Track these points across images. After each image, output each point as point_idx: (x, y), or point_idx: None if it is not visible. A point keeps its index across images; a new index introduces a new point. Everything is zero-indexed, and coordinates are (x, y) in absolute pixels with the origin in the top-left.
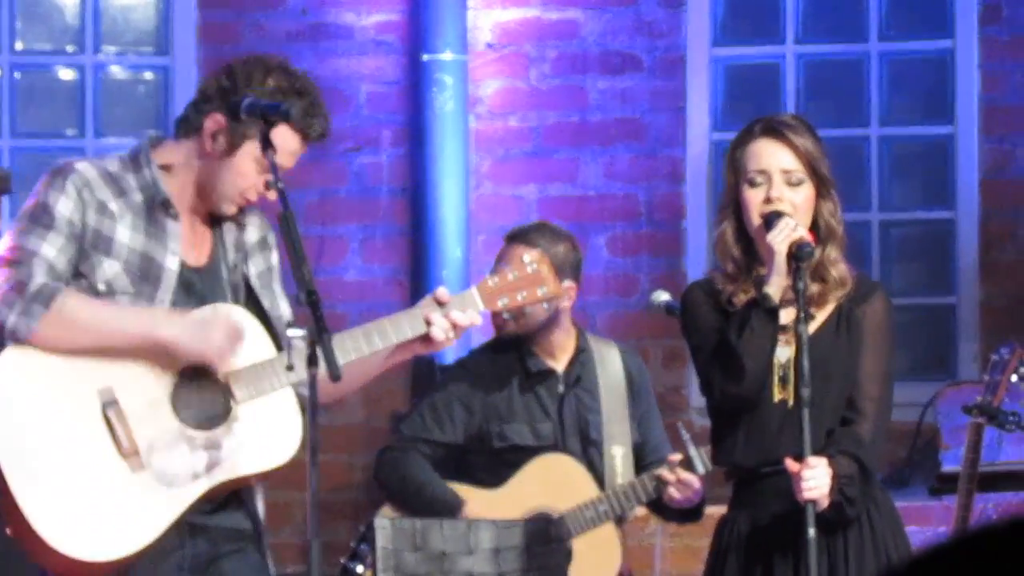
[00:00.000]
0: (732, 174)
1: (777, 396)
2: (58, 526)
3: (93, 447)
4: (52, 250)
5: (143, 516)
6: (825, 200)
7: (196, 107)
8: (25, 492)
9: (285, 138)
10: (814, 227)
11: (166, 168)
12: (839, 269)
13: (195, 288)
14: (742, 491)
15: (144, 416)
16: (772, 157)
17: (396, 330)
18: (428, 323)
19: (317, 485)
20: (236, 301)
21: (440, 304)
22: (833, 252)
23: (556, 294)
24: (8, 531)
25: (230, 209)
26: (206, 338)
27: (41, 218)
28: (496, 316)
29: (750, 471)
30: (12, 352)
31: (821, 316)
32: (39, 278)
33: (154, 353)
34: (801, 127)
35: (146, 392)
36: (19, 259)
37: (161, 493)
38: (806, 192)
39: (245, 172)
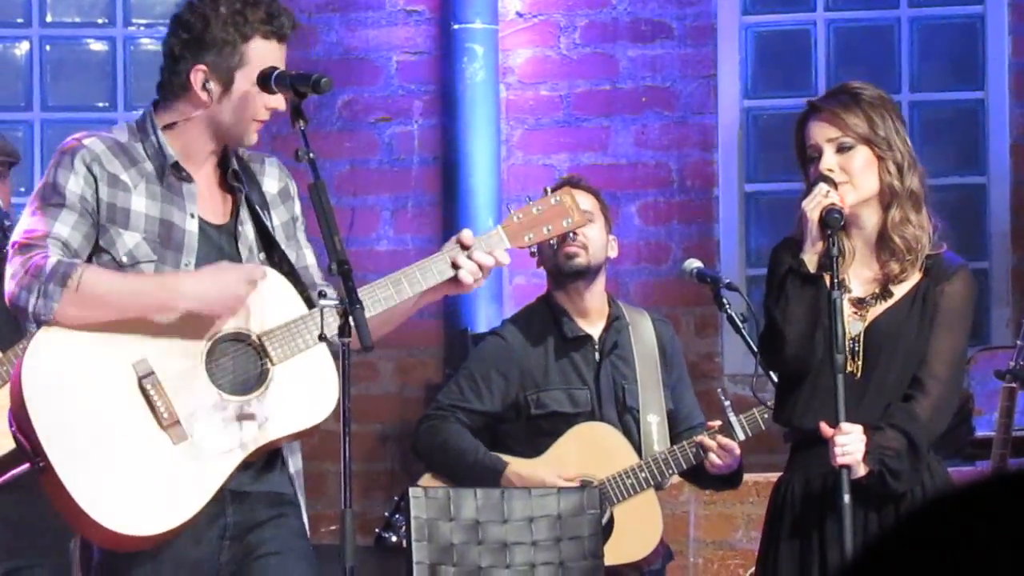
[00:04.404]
0: (800, 154)
1: (846, 368)
2: (104, 502)
3: (133, 420)
4: (65, 228)
5: (189, 487)
6: (885, 161)
7: (171, 71)
8: (68, 470)
9: (266, 50)
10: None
11: (170, 127)
12: (909, 231)
13: (221, 247)
14: (798, 454)
15: (181, 385)
16: (819, 131)
17: (425, 276)
18: (455, 266)
19: (350, 455)
20: (258, 256)
21: (465, 247)
22: (898, 214)
23: (580, 224)
24: (56, 508)
25: (252, 137)
26: (223, 286)
27: (51, 198)
28: (566, 246)
29: (806, 434)
30: (44, 334)
31: (899, 292)
32: (52, 257)
33: (184, 320)
34: (846, 96)
35: (180, 361)
36: (33, 242)
37: (205, 462)
38: (862, 156)
39: (248, 97)
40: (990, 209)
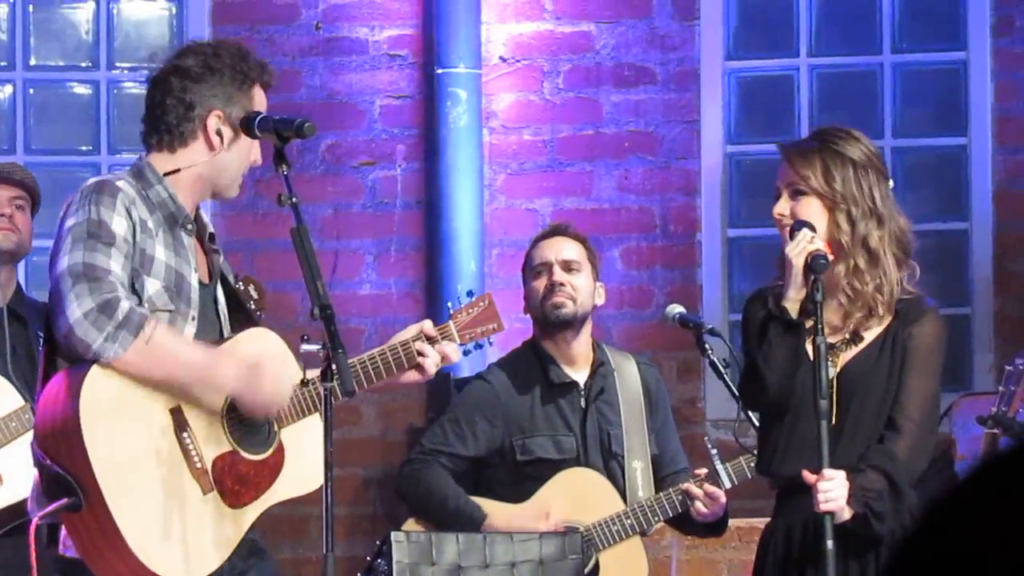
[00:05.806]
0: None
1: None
2: (150, 544)
3: (172, 465)
4: (118, 268)
5: (216, 537)
6: (837, 215)
7: (183, 117)
8: (120, 506)
9: (262, 98)
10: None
11: (170, 175)
12: (862, 282)
13: (214, 305)
14: (781, 501)
15: (207, 436)
16: (782, 173)
17: (396, 363)
18: (420, 354)
19: (332, 499)
20: (233, 314)
21: (428, 338)
22: (847, 267)
23: (501, 329)
24: (72, 547)
25: (238, 189)
26: (258, 390)
27: (102, 235)
28: (554, 296)
29: (787, 481)
30: (100, 369)
31: (870, 336)
32: (124, 300)
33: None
34: (814, 143)
35: (204, 414)
36: (96, 276)
37: (226, 517)
38: (812, 205)
39: (249, 146)
40: (972, 255)
